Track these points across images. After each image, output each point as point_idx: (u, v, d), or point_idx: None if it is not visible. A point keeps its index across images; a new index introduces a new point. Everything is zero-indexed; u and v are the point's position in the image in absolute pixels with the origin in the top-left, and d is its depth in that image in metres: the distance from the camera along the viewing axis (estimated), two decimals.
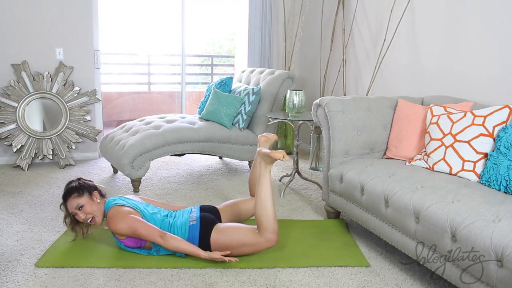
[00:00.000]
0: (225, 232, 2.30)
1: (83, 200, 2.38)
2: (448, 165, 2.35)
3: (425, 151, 2.53)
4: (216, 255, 2.22)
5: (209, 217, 2.38)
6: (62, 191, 2.47)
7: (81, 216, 2.37)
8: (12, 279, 2.10)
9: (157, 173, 4.02)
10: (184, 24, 5.09)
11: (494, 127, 2.27)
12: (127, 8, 6.37)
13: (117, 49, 6.39)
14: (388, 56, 3.66)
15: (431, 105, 2.63)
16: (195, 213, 2.40)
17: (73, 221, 2.44)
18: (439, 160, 2.39)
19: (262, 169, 2.33)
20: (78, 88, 4.32)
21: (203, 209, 2.48)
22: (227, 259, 2.22)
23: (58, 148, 4.20)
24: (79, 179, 2.48)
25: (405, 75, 3.52)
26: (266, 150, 2.33)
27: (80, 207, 2.36)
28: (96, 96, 4.42)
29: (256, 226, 2.30)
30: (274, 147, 5.01)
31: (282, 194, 3.43)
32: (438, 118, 2.50)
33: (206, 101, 4.12)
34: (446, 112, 2.51)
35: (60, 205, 2.45)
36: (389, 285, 2.12)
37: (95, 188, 2.47)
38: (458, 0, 2.98)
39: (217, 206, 2.59)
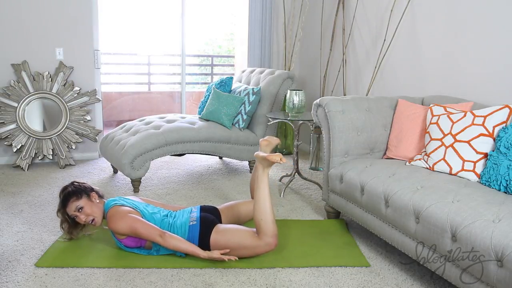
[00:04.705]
0: (224, 233, 2.30)
1: (82, 202, 2.38)
2: (448, 165, 2.35)
3: (425, 151, 2.53)
4: (215, 254, 2.22)
5: (209, 217, 2.38)
6: (59, 197, 2.45)
7: (81, 218, 2.37)
8: (12, 279, 2.10)
9: (157, 173, 4.02)
10: (184, 24, 5.09)
11: (494, 127, 2.27)
12: (127, 8, 6.37)
13: (117, 49, 6.40)
14: (388, 56, 3.66)
15: (431, 105, 2.63)
16: (195, 213, 2.40)
17: (71, 225, 2.44)
18: (439, 160, 2.39)
19: (260, 172, 2.33)
20: (78, 88, 4.32)
21: (203, 209, 2.48)
22: (226, 258, 2.22)
23: (58, 148, 4.20)
24: (73, 182, 2.48)
25: (405, 75, 3.52)
26: (263, 154, 2.33)
27: (79, 209, 2.37)
28: (96, 96, 4.42)
29: (255, 229, 2.30)
30: (274, 148, 5.01)
31: (282, 194, 3.43)
32: (438, 118, 2.50)
33: (206, 101, 4.12)
34: (446, 112, 2.51)
35: (57, 212, 2.44)
36: (389, 285, 2.12)
37: (91, 189, 2.47)
38: (458, 0, 2.99)
39: (217, 207, 2.58)
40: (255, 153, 2.41)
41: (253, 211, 2.31)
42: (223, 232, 2.30)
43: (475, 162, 2.27)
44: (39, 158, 4.18)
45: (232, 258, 2.22)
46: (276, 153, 2.27)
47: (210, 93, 4.12)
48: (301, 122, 3.49)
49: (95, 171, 4.06)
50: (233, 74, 5.95)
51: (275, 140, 2.62)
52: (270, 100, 3.89)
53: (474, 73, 2.88)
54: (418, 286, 2.12)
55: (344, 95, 4.24)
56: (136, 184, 3.46)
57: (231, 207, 2.60)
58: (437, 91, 3.16)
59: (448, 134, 2.40)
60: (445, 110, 2.54)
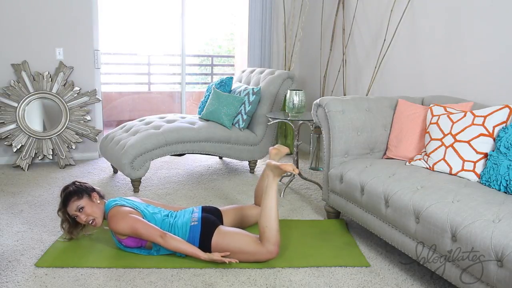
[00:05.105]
0: (227, 236, 2.30)
1: (83, 202, 2.38)
2: (448, 165, 2.35)
3: (425, 151, 2.53)
4: (215, 256, 2.22)
5: (211, 218, 2.38)
6: (60, 196, 2.44)
7: (82, 218, 2.37)
8: (12, 279, 2.10)
9: (157, 173, 4.02)
10: (184, 24, 5.09)
11: (494, 127, 2.27)
12: (127, 8, 6.37)
13: (117, 49, 6.39)
14: (388, 56, 3.66)
15: (431, 105, 2.63)
16: (197, 214, 2.41)
17: (71, 225, 2.44)
18: (439, 160, 2.39)
19: (270, 180, 2.35)
20: (78, 88, 4.32)
21: (205, 210, 2.48)
22: (226, 260, 2.22)
23: (58, 148, 4.20)
24: (74, 182, 2.48)
25: (405, 75, 3.52)
26: (276, 163, 2.36)
27: (80, 209, 2.37)
28: (96, 96, 4.42)
29: (258, 236, 2.30)
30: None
31: (282, 194, 3.43)
32: (438, 118, 2.50)
33: (206, 101, 4.12)
34: (446, 112, 2.51)
35: (58, 211, 2.44)
36: (389, 285, 2.12)
37: (93, 189, 2.47)
38: (458, 0, 2.99)
39: (219, 208, 2.59)
40: (267, 161, 2.44)
41: (259, 217, 2.31)
42: (225, 235, 2.30)
43: (475, 162, 2.27)
44: (39, 158, 4.18)
45: (233, 261, 2.22)
46: (289, 163, 2.32)
47: (210, 93, 4.12)
48: (301, 122, 3.49)
49: (95, 171, 4.06)
50: (233, 74, 5.95)
51: (285, 149, 2.69)
52: (270, 100, 3.90)
53: (474, 73, 2.88)
54: (418, 286, 2.12)
55: (344, 95, 4.24)
56: (136, 184, 3.46)
57: (234, 210, 2.62)
58: (437, 91, 3.16)
59: (448, 134, 2.40)
60: (445, 110, 2.54)
